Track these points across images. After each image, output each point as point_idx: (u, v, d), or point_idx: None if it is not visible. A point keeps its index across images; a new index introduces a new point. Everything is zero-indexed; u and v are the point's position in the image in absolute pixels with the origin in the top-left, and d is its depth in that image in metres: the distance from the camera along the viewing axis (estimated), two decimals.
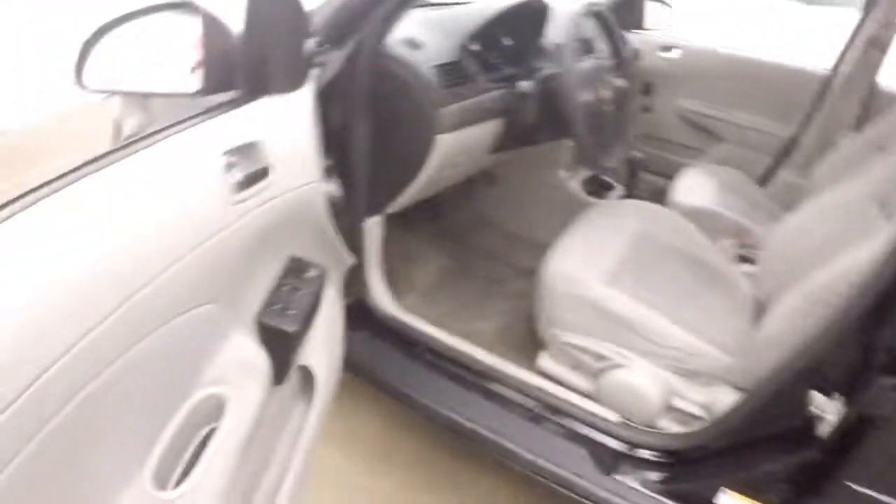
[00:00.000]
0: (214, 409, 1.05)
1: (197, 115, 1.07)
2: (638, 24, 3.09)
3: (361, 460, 2.03)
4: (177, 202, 0.95)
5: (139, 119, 1.84)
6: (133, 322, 0.86)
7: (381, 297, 1.88)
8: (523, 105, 1.89)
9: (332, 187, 1.53)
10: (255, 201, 1.08)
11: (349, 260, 1.59)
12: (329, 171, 1.53)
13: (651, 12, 3.12)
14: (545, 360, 1.84)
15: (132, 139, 0.96)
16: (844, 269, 1.33)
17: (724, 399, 1.60)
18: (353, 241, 1.70)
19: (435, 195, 2.11)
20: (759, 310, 1.75)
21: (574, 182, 2.58)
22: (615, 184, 2.65)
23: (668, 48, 3.02)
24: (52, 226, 0.79)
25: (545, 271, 1.79)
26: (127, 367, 0.86)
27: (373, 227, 1.80)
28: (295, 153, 1.22)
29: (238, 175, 1.04)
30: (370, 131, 1.63)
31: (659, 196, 2.49)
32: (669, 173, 2.71)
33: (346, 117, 1.58)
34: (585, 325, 1.73)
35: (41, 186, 0.81)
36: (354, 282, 1.72)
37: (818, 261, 1.45)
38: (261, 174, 1.10)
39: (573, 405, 1.70)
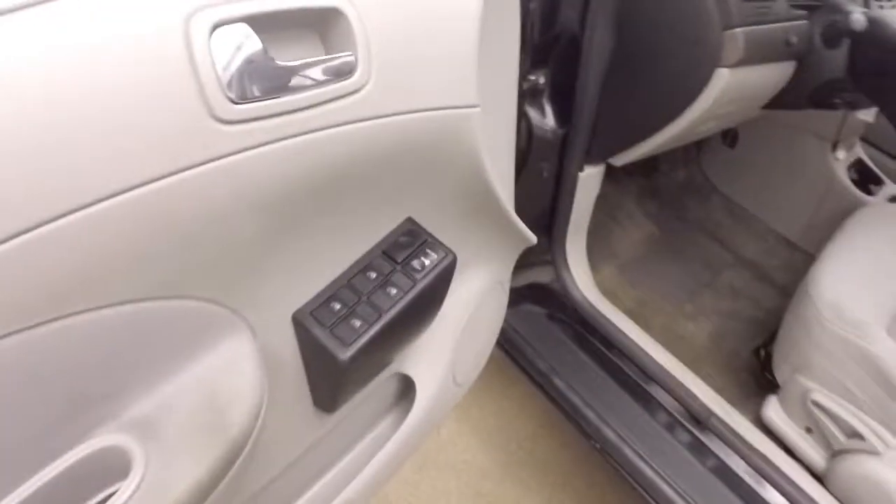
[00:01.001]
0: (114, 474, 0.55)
1: None
2: None
3: (538, 487, 1.61)
4: (122, 104, 0.46)
5: None
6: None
7: (580, 275, 1.40)
8: (835, 50, 1.31)
9: (542, 115, 1.12)
10: (302, 120, 0.55)
11: (528, 240, 0.99)
12: (535, 94, 1.12)
13: None
14: (773, 410, 1.37)
15: None
16: None
17: None
18: (557, 193, 1.23)
19: None
20: None
21: (842, 167, 1.97)
22: (884, 178, 2.03)
23: None
24: None
25: (813, 295, 1.28)
26: None
27: (589, 180, 1.30)
28: (428, 51, 0.65)
29: (261, 74, 0.53)
30: (613, 45, 1.16)
31: None
32: None
33: (580, 20, 1.13)
34: (850, 385, 1.25)
35: None
36: (536, 255, 1.24)
37: None
38: (328, 76, 0.56)
39: (796, 487, 1.23)
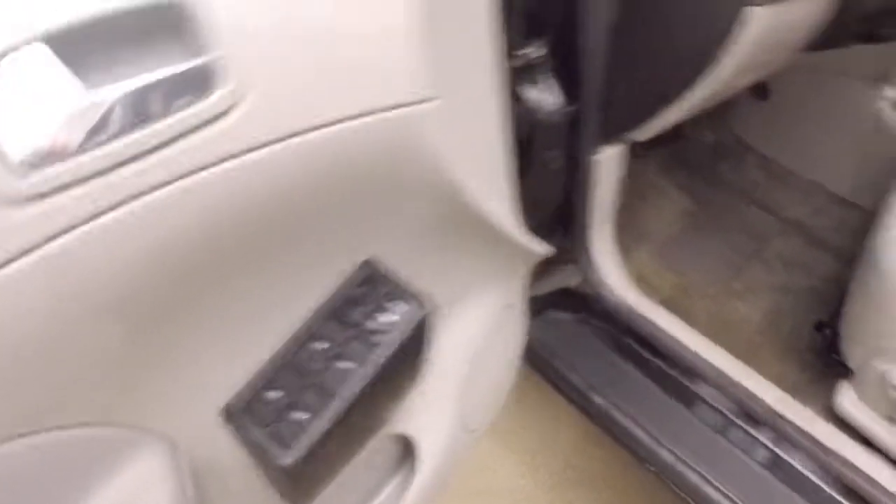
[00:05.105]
0: None
1: None
2: None
3: None
4: None
5: None
6: None
7: (611, 273, 1.23)
8: None
9: (544, 94, 0.96)
10: (148, 170, 0.38)
11: (536, 252, 0.86)
12: (532, 70, 0.96)
13: None
14: (847, 399, 1.19)
15: None
16: None
17: None
18: (570, 182, 1.07)
19: None
20: None
21: (890, 106, 1.77)
22: None
23: None
24: None
25: (883, 264, 1.10)
26: None
27: (608, 163, 1.13)
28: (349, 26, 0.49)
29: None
30: None
31: None
32: None
33: None
34: None
35: None
36: (560, 256, 1.08)
37: None
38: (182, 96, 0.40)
39: (882, 489, 1.06)
